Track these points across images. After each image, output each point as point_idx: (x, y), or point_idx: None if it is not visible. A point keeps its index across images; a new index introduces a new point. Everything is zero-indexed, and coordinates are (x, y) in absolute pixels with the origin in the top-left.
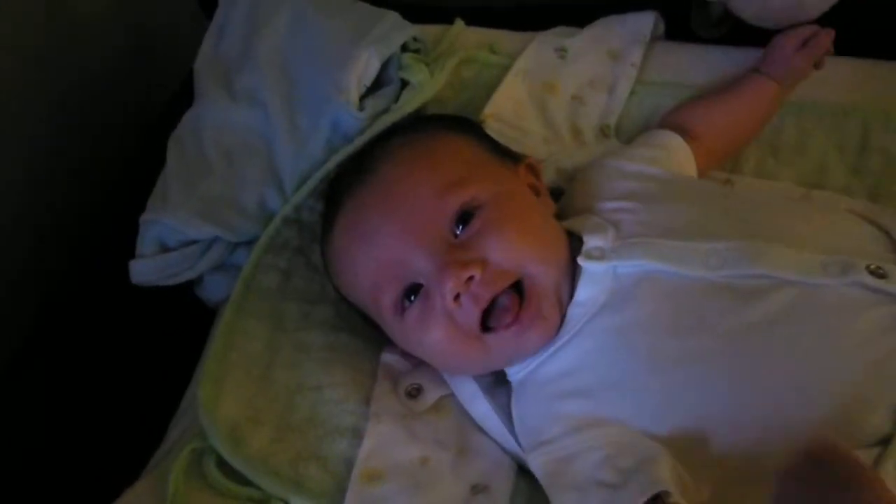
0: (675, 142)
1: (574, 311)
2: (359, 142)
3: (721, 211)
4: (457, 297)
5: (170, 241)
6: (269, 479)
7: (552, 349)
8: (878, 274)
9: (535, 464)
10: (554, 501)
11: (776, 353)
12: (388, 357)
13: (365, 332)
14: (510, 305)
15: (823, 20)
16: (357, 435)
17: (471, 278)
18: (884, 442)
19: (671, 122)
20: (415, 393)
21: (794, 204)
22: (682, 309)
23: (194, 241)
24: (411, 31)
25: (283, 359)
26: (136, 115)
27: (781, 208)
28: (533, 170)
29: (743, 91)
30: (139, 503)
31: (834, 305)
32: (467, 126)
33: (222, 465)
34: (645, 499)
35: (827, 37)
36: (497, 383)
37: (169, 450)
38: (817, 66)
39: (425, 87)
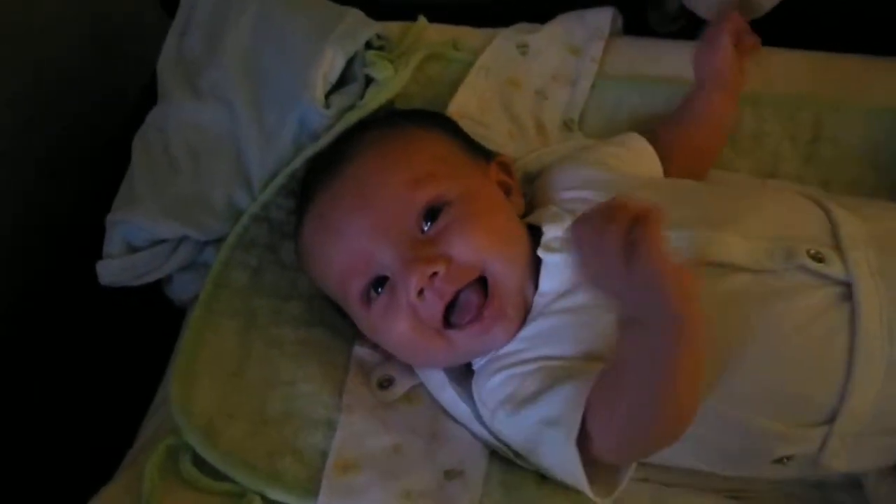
0: (640, 144)
1: (538, 300)
2: (326, 139)
3: (673, 199)
4: (420, 291)
5: (137, 240)
6: (245, 472)
7: None
8: (817, 258)
9: (500, 421)
10: (534, 451)
11: (728, 336)
12: (359, 350)
13: (336, 327)
14: (473, 302)
15: (774, 14)
16: (331, 427)
17: (434, 274)
18: (831, 420)
19: None
20: (386, 384)
21: (744, 191)
22: None
23: (162, 241)
24: (375, 28)
25: (255, 354)
26: (99, 113)
27: (732, 196)
28: (505, 167)
29: (688, 112)
30: (115, 502)
31: (780, 290)
32: (441, 122)
33: (197, 461)
34: (593, 378)
35: (725, 22)
36: (465, 372)
37: (143, 448)
38: (747, 48)
39: (390, 83)
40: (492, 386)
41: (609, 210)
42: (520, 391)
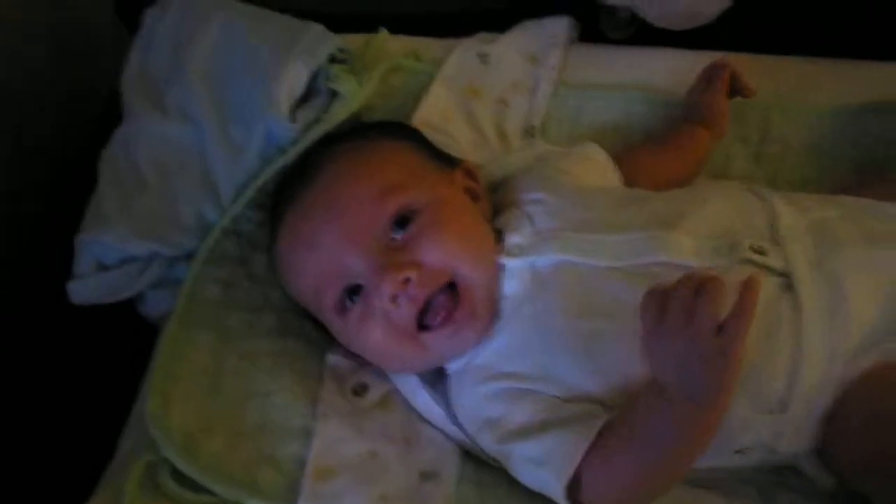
0: (599, 155)
1: (501, 305)
2: (293, 152)
3: (625, 203)
4: (394, 298)
5: (108, 259)
6: (224, 484)
7: (484, 341)
8: (759, 251)
9: (485, 442)
10: (509, 465)
11: None
12: (332, 358)
13: (309, 337)
14: (444, 304)
15: (722, 20)
16: (307, 435)
17: (407, 280)
18: (783, 408)
19: None
20: (360, 391)
21: (691, 191)
22: (594, 294)
23: (133, 259)
24: (337, 41)
25: (230, 368)
26: (62, 130)
27: (680, 197)
28: (470, 173)
29: (674, 139)
30: None
31: (729, 285)
32: (408, 132)
33: (176, 475)
34: (595, 433)
35: (723, 68)
36: (438, 376)
37: (121, 464)
38: (744, 94)
39: (354, 96)
40: (474, 399)
41: (704, 282)
42: (507, 420)
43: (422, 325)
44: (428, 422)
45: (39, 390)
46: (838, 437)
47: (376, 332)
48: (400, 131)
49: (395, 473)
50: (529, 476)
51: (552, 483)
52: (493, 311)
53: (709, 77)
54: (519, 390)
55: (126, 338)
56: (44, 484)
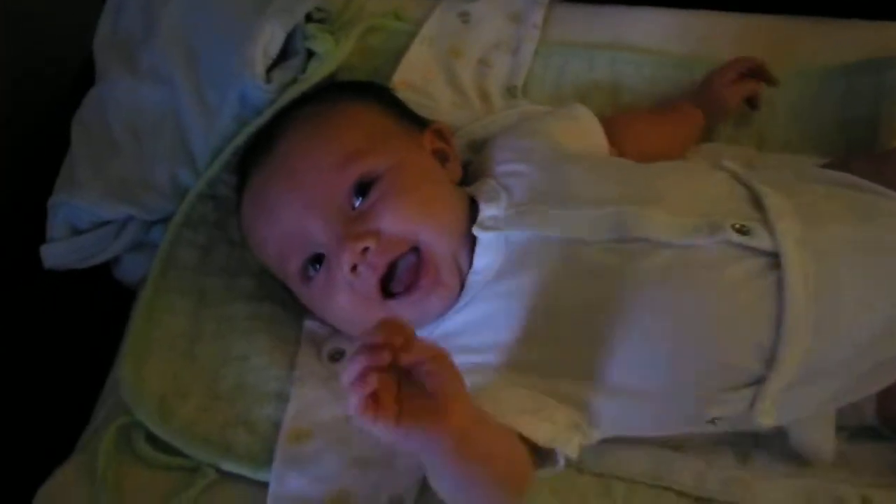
0: (587, 116)
1: (473, 278)
2: (268, 114)
3: (604, 176)
4: (354, 267)
5: (81, 223)
6: (199, 446)
7: (451, 312)
8: (742, 231)
9: None
10: None
11: (659, 308)
12: (310, 324)
13: (286, 301)
14: (409, 271)
15: None
16: (283, 399)
17: (366, 249)
18: (759, 381)
19: None
20: (337, 356)
21: (675, 168)
22: (570, 272)
23: (107, 222)
24: (314, 0)
25: (207, 332)
26: (35, 95)
27: (663, 173)
28: (440, 134)
29: (670, 113)
30: (70, 482)
31: (706, 262)
32: (374, 92)
33: (151, 438)
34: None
35: (756, 84)
36: None
37: (96, 429)
38: (753, 106)
39: (331, 56)
40: None
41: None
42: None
43: (388, 293)
44: None
45: (15, 356)
46: None
47: (340, 300)
48: (367, 92)
49: (370, 437)
50: None
51: None
52: (459, 278)
53: (741, 74)
54: (469, 366)
55: (104, 302)
56: (21, 447)
